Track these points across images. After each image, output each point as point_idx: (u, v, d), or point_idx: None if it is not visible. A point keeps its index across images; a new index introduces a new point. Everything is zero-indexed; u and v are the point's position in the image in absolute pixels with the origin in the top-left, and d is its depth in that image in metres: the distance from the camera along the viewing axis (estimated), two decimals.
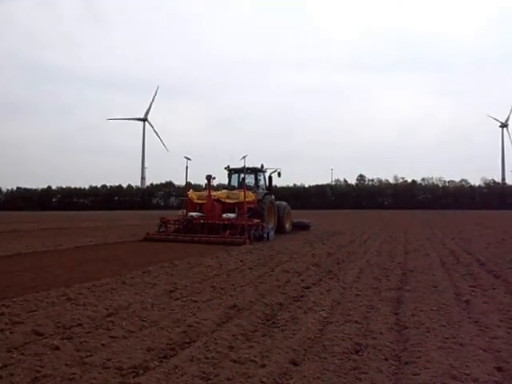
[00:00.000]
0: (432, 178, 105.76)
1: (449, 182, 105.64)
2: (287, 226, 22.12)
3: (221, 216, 17.79)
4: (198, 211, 18.44)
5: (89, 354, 4.62)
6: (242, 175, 20.15)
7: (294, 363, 4.44)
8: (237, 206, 17.99)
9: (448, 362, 4.40)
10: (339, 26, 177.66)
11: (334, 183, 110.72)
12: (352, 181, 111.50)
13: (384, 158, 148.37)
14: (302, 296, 7.49)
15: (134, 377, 4.11)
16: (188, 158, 18.80)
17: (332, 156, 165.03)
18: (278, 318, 6.11)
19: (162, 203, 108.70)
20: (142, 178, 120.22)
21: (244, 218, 17.51)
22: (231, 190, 19.60)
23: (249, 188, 19.29)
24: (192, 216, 18.19)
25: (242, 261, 11.70)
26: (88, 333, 5.34)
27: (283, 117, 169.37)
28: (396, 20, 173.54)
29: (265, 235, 17.67)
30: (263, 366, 4.31)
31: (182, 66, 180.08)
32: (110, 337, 5.18)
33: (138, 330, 5.49)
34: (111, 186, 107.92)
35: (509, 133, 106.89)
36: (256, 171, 20.83)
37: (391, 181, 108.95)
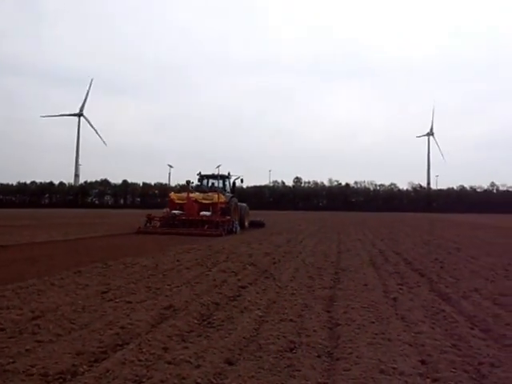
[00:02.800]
0: (364, 182, 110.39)
1: (379, 185, 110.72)
2: (246, 223, 26.46)
3: (198, 214, 22.03)
4: (179, 210, 22.42)
5: (11, 360, 4.33)
6: (212, 180, 25.64)
7: (230, 363, 4.44)
8: (211, 206, 22.32)
9: (377, 357, 4.59)
10: (284, 30, 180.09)
11: (271, 184, 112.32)
12: (289, 182, 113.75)
13: (320, 161, 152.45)
14: (238, 295, 7.51)
15: (60, 383, 3.93)
16: (170, 166, 22.90)
17: (270, 158, 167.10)
18: (214, 317, 6.09)
19: (97, 202, 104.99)
20: (76, 176, 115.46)
21: (218, 216, 21.71)
22: (202, 192, 23.69)
23: (219, 191, 23.60)
24: (175, 214, 22.23)
25: (178, 260, 11.55)
26: (11, 338, 5.03)
27: (225, 118, 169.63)
28: (340, 27, 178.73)
29: (234, 229, 22.28)
30: (198, 366, 4.27)
31: (123, 64, 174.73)
32: (36, 341, 4.90)
33: (67, 333, 5.24)
34: (41, 183, 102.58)
35: (436, 141, 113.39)
36: (224, 177, 25.68)
37: (326, 183, 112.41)
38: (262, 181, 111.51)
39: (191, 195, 22.82)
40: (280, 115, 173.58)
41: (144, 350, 4.69)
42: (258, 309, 6.54)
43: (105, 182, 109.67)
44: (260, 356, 4.62)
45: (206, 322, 5.89)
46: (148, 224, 22.46)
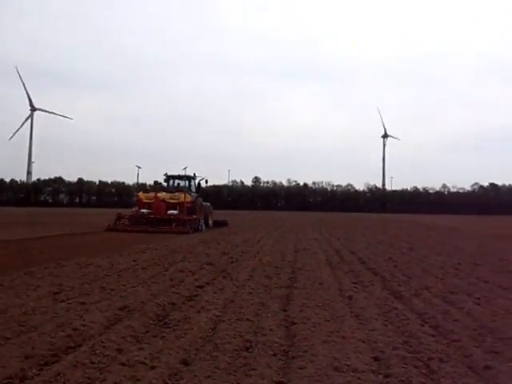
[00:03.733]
0: (322, 182, 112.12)
1: (336, 186, 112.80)
2: (210, 221, 27.32)
3: (166, 212, 23.05)
4: (147, 209, 23.39)
5: None
6: (178, 181, 26.77)
7: (185, 363, 4.41)
8: (178, 205, 23.41)
9: (331, 355, 4.68)
10: (246, 29, 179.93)
11: (230, 184, 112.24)
12: (248, 182, 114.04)
13: (279, 162, 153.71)
14: (195, 295, 7.46)
15: None
16: (139, 167, 23.60)
17: (230, 157, 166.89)
18: (171, 318, 6.02)
19: (51, 200, 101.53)
20: (28, 173, 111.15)
21: (184, 214, 23.00)
22: (168, 192, 24.78)
23: (185, 191, 24.64)
24: (143, 212, 23.33)
25: (134, 260, 11.34)
26: None
27: (184, 116, 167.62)
28: (301, 29, 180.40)
29: (199, 227, 23.41)
30: (153, 367, 4.21)
31: (88, 59, 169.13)
32: None
33: (16, 336, 5.04)
34: None
35: (393, 136, 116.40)
36: (189, 178, 26.94)
37: (285, 183, 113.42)
38: (221, 180, 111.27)
39: (159, 195, 23.94)
40: (240, 115, 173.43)
41: (97, 351, 4.58)
42: (215, 308, 6.52)
43: (59, 180, 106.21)
44: (216, 356, 4.61)
45: (161, 323, 5.82)
46: (117, 222, 23.48)
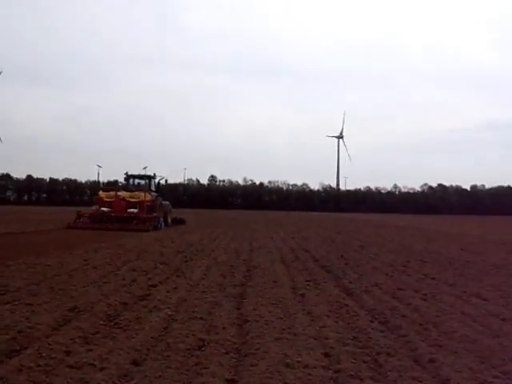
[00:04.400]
0: (278, 181, 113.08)
1: (292, 185, 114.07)
2: (169, 220, 27.95)
3: (126, 211, 23.53)
4: (107, 207, 23.69)
5: None
6: (138, 180, 27.23)
7: (136, 363, 4.34)
8: (138, 204, 23.82)
9: (283, 352, 4.74)
10: (196, 29, 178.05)
11: (186, 182, 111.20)
12: (204, 181, 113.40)
13: (235, 160, 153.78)
14: (147, 295, 7.35)
15: None
16: (99, 166, 23.51)
17: (185, 155, 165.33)
18: (122, 318, 5.90)
19: None
20: None
21: (145, 213, 23.42)
22: (128, 191, 25.20)
23: (145, 190, 25.10)
24: (104, 211, 23.60)
25: (85, 260, 11.03)
26: None
27: (138, 114, 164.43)
28: (250, 27, 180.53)
29: (159, 225, 24.15)
30: (102, 369, 4.11)
31: (32, 53, 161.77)
32: None
33: None
34: None
35: (344, 144, 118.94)
36: (150, 178, 27.28)
37: (241, 182, 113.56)
38: (177, 178, 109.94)
39: (119, 194, 24.55)
40: (196, 113, 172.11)
41: (44, 354, 4.43)
42: (168, 307, 6.45)
43: (6, 177, 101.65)
44: (168, 355, 4.56)
45: (112, 323, 5.69)
46: (78, 220, 23.86)
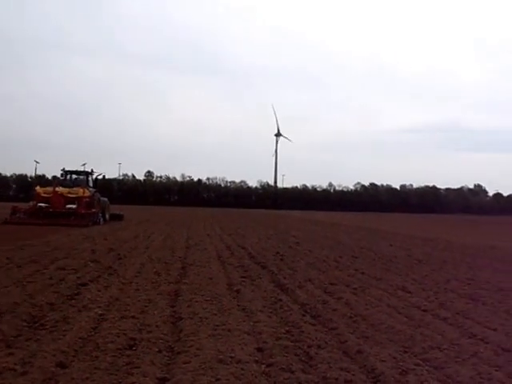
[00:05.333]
0: (216, 178, 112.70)
1: (230, 182, 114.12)
2: (107, 215, 27.59)
3: (64, 206, 23.38)
4: (45, 203, 23.39)
5: None
6: (75, 176, 27.24)
7: (62, 366, 4.15)
8: (76, 200, 23.75)
9: (217, 348, 4.73)
10: (135, 19, 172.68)
11: (121, 178, 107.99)
12: (140, 176, 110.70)
13: (172, 156, 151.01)
14: (76, 294, 7.05)
15: None
16: (37, 162, 23.13)
17: (120, 150, 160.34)
18: (47, 319, 5.63)
19: None
20: None
21: (83, 208, 23.43)
22: (66, 187, 24.93)
23: (83, 186, 25.12)
24: (41, 206, 23.30)
25: (8, 258, 10.39)
26: None
27: (74, 105, 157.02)
28: (194, 22, 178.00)
29: (98, 221, 24.13)
30: (24, 373, 3.89)
31: None
32: None
33: None
34: None
35: (284, 137, 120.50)
36: (87, 174, 27.37)
37: (179, 178, 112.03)
38: (111, 173, 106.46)
39: (57, 189, 24.24)
40: (133, 107, 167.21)
41: None
42: (98, 307, 6.23)
43: None
44: (97, 356, 4.41)
45: (37, 324, 5.41)
46: (13, 216, 23.40)
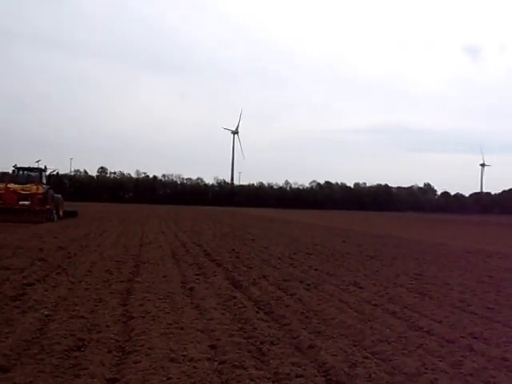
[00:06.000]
0: (172, 175, 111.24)
1: (187, 179, 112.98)
2: (61, 212, 27.67)
3: (18, 203, 23.11)
4: None
5: None
6: (28, 172, 26.47)
7: (4, 370, 3.97)
8: (30, 196, 23.53)
9: (168, 347, 4.67)
10: (94, 13, 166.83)
11: (72, 173, 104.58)
12: (93, 172, 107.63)
13: (128, 152, 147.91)
14: (22, 294, 6.76)
15: None
16: None
17: (72, 145, 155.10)
18: None
19: None
20: None
21: (37, 205, 23.33)
22: (18, 183, 24.38)
23: (37, 182, 24.67)
24: None
25: None
26: None
27: (21, 98, 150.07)
28: (157, 16, 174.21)
29: (52, 217, 24.44)
30: None
31: None
32: None
33: None
34: None
35: (239, 139, 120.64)
36: (40, 170, 26.81)
37: (133, 175, 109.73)
38: (62, 169, 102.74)
39: (9, 186, 23.90)
40: (84, 102, 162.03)
41: None
42: (45, 307, 6.00)
43: None
44: (42, 358, 4.24)
45: None
46: None
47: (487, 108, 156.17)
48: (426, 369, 4.40)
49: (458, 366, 4.52)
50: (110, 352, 4.56)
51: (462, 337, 5.47)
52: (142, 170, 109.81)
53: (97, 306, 6.29)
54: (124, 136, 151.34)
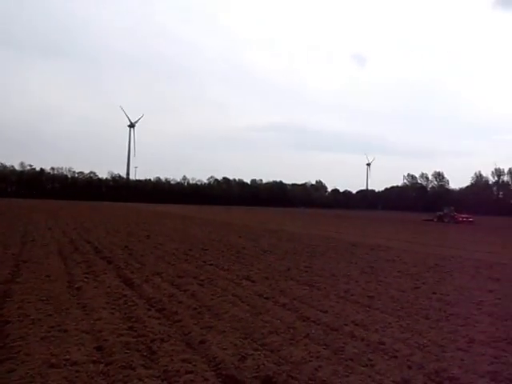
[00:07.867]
0: (62, 168, 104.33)
1: (78, 173, 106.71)
2: None
3: None
4: None
5: None
6: None
7: None
8: None
9: (49, 351, 4.37)
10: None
11: None
12: None
13: (10, 143, 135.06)
14: None
15: None
16: None
17: None
18: None
19: None
20: None
21: None
22: None
23: None
24: None
25: None
26: None
27: None
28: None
29: None
30: None
31: None
32: None
33: None
34: None
35: (134, 133, 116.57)
36: None
37: (17, 167, 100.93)
38: None
39: None
40: None
41: None
42: None
43: None
44: None
45: None
46: None
47: (374, 111, 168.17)
48: (311, 357, 4.62)
49: (339, 352, 4.82)
50: None
51: (345, 324, 5.84)
52: (27, 163, 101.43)
53: None
54: (8, 125, 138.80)
